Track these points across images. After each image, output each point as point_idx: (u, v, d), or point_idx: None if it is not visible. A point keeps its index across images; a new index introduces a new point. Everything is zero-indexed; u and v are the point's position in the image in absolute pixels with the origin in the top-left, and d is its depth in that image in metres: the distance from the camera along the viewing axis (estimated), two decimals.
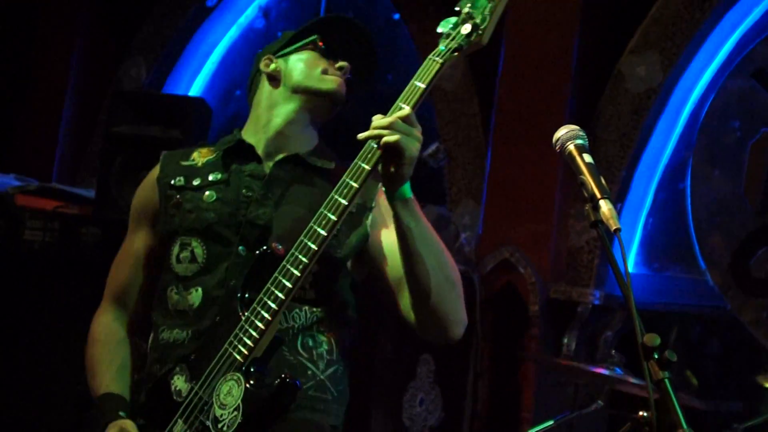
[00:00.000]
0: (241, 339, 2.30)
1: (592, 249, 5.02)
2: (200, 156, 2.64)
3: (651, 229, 5.26)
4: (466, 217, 5.31)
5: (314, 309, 2.48)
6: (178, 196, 2.56)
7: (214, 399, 2.30)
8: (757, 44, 5.05)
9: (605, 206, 2.01)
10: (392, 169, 2.30)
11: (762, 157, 5.02)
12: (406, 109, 2.31)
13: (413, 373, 4.55)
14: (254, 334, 2.29)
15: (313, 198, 2.48)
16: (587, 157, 2.10)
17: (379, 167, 2.32)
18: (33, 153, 6.24)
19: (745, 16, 5.05)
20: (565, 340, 4.98)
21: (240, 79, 6.37)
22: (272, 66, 2.64)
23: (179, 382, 2.38)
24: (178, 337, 2.48)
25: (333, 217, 2.30)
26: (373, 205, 2.55)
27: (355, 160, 2.34)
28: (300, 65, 2.61)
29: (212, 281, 2.47)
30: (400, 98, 2.36)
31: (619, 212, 5.08)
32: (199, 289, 2.48)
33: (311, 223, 2.31)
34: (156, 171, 2.64)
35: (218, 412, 2.29)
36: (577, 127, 2.15)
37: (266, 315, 2.29)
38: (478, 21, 2.39)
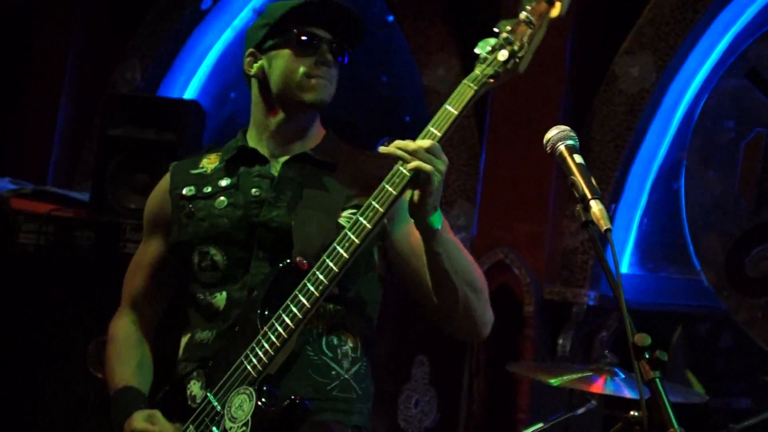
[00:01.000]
0: (257, 354, 2.32)
1: (586, 250, 5.03)
2: (209, 162, 2.63)
3: (645, 230, 5.27)
4: (461, 219, 5.31)
5: (338, 307, 2.47)
6: (190, 206, 2.55)
7: (225, 410, 2.32)
8: (750, 44, 5.07)
9: (596, 206, 2.01)
10: (415, 200, 2.29)
11: (756, 157, 5.03)
12: (428, 142, 2.28)
13: (408, 375, 4.55)
14: (269, 350, 2.31)
15: (326, 199, 2.48)
16: (578, 158, 2.10)
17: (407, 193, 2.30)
18: (28, 156, 6.23)
19: (738, 17, 5.06)
20: (560, 341, 4.99)
21: (235, 81, 6.37)
22: (255, 67, 2.57)
23: (195, 388, 2.41)
24: (204, 338, 2.50)
25: (356, 240, 2.30)
26: None
27: (383, 183, 2.32)
28: (279, 70, 2.53)
29: (235, 285, 2.48)
30: (431, 123, 2.33)
31: (613, 213, 5.09)
32: (224, 293, 2.49)
33: (335, 243, 2.31)
34: (166, 182, 2.64)
35: (228, 424, 2.31)
36: (567, 128, 2.15)
37: (282, 332, 2.31)
38: (516, 48, 2.34)
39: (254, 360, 2.32)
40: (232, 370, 2.34)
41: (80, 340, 4.17)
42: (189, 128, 4.44)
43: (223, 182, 2.56)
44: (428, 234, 2.33)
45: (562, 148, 2.13)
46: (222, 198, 2.54)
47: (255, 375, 2.31)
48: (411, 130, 3.92)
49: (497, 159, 5.14)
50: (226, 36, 6.47)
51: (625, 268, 5.24)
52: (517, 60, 2.34)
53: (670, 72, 5.06)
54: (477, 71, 2.36)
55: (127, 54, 6.38)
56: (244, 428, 2.28)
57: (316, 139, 2.61)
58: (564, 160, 2.11)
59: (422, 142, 2.28)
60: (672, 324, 5.19)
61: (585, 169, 2.08)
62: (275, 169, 2.56)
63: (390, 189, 2.30)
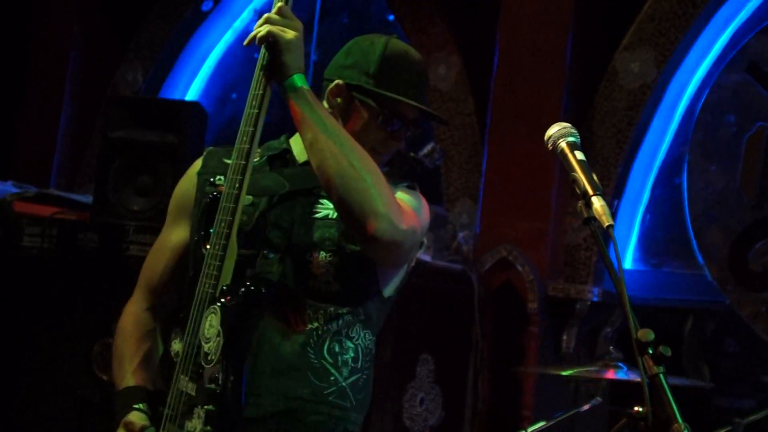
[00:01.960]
0: (209, 273, 2.34)
1: (589, 246, 5.03)
2: None
3: (648, 225, 5.27)
4: (464, 216, 5.32)
5: (340, 310, 2.46)
6: (215, 193, 2.51)
7: (200, 339, 2.33)
8: (750, 39, 5.07)
9: (597, 203, 2.01)
10: (273, 60, 2.34)
11: (757, 151, 5.04)
12: (275, 8, 2.35)
13: (413, 373, 4.55)
14: (216, 262, 2.33)
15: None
16: (579, 154, 2.10)
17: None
18: (31, 159, 6.25)
19: (738, 11, 5.07)
20: (564, 337, 5.00)
21: (236, 82, 6.38)
22: (338, 100, 2.54)
23: (176, 346, 2.43)
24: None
25: (252, 128, 2.36)
26: None
27: (245, 109, 2.37)
28: (355, 120, 2.53)
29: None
30: None
31: (615, 209, 5.10)
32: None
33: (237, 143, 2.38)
34: (198, 165, 2.63)
35: (206, 347, 2.32)
36: (568, 125, 2.15)
37: (223, 240, 2.33)
38: None
39: (208, 281, 2.34)
40: (196, 304, 2.35)
41: (84, 343, 4.17)
42: (191, 130, 4.44)
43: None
44: (293, 94, 2.35)
45: (563, 144, 2.12)
46: (248, 196, 2.50)
47: (212, 291, 2.33)
48: None
49: (499, 156, 5.14)
50: (227, 37, 6.48)
51: (628, 263, 5.25)
52: None
53: (670, 67, 5.06)
54: None
55: (129, 56, 6.39)
56: (218, 338, 2.30)
57: None
58: (565, 156, 2.11)
59: (272, 12, 2.36)
60: (677, 320, 5.19)
61: (586, 166, 2.08)
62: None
63: (254, 111, 2.36)
